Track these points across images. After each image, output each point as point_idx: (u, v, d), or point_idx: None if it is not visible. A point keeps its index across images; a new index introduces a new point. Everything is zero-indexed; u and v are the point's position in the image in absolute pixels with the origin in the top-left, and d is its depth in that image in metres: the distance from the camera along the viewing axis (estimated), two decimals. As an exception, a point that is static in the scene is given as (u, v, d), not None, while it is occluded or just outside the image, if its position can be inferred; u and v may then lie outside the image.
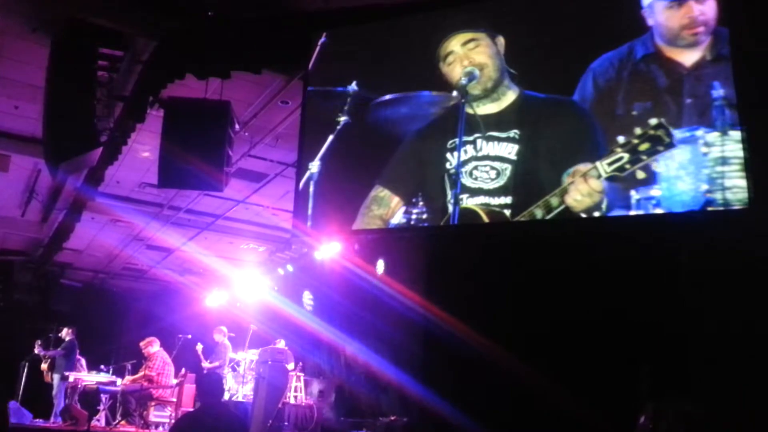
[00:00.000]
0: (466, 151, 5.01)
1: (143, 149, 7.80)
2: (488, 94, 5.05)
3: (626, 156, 4.37)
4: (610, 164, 4.42)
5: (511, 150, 4.89)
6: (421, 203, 5.19)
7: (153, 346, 9.40)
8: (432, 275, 7.79)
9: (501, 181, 4.88)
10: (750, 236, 4.26)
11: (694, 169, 4.23)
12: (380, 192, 5.36)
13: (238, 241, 11.45)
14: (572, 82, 4.77)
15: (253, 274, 11.47)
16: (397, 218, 5.27)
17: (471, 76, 5.04)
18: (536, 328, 5.82)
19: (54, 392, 9.99)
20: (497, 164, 4.91)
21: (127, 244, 11.83)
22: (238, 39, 5.67)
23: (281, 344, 10.11)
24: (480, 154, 4.99)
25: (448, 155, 5.11)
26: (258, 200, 9.48)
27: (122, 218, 10.30)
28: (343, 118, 5.57)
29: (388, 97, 5.45)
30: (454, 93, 5.13)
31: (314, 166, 5.62)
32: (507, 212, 4.84)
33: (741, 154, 4.11)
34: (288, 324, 10.64)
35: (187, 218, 10.33)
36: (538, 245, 5.67)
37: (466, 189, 4.97)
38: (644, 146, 4.34)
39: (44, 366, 10.30)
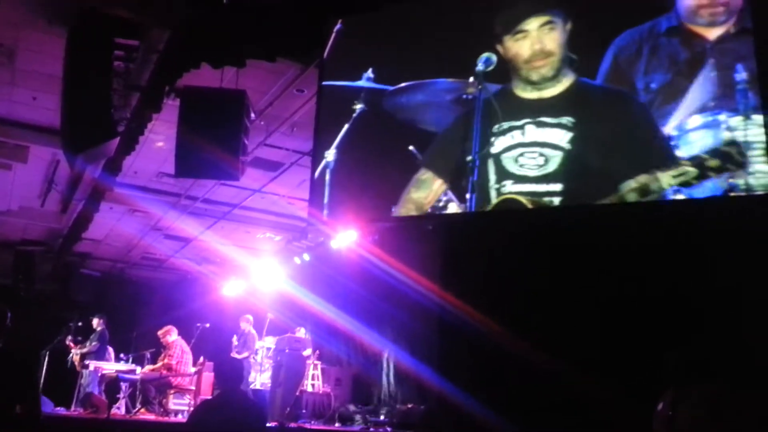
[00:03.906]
0: (513, 137, 4.84)
1: (158, 139, 7.82)
2: (545, 81, 4.87)
3: (693, 171, 4.13)
4: (675, 176, 4.20)
5: (562, 137, 4.69)
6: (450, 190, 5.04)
7: (171, 335, 9.47)
8: (450, 264, 7.77)
9: (549, 168, 4.69)
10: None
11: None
12: (423, 174, 5.22)
13: (255, 230, 11.49)
14: (598, 60, 4.68)
15: (270, 263, 11.52)
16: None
17: (488, 62, 4.97)
18: (555, 315, 5.79)
19: (82, 381, 10.08)
20: (546, 151, 4.72)
21: (146, 234, 11.92)
22: (252, 27, 5.65)
23: (301, 333, 10.15)
24: (528, 140, 4.80)
25: (494, 140, 4.93)
26: (274, 189, 9.49)
27: (140, 208, 10.37)
28: (358, 106, 5.54)
29: (404, 84, 5.41)
30: (471, 79, 5.07)
31: (330, 155, 5.60)
32: (556, 200, 4.65)
33: (764, 138, 4.04)
34: (305, 313, 10.68)
35: (204, 208, 10.37)
36: (557, 232, 5.63)
37: (510, 176, 4.81)
38: (713, 163, 4.07)
39: (76, 357, 10.41)
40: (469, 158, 4.90)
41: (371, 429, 7.96)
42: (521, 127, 4.83)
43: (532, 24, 4.89)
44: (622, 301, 5.22)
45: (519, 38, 4.91)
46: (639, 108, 4.55)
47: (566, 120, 4.71)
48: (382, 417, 8.60)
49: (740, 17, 4.29)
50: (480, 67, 4.99)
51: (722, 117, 4.17)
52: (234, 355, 9.77)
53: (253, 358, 10.25)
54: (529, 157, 4.76)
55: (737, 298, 4.40)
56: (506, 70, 5.01)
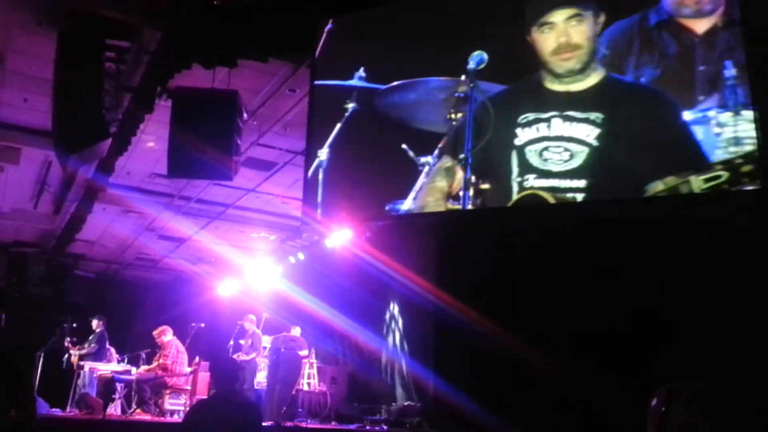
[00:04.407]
0: (538, 129, 4.73)
1: (150, 139, 7.81)
2: (573, 75, 4.75)
3: (725, 175, 4.00)
4: (706, 181, 4.05)
5: (589, 133, 4.57)
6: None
7: (166, 335, 9.45)
8: (445, 261, 7.78)
9: (574, 164, 4.57)
10: (764, 217, 4.21)
11: (707, 150, 4.17)
12: (446, 163, 5.07)
13: (249, 229, 11.48)
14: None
15: (264, 262, 11.51)
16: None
17: (480, 60, 4.96)
18: (551, 312, 5.81)
19: (80, 382, 10.04)
20: (572, 146, 4.59)
21: (139, 235, 11.89)
22: (243, 27, 5.65)
23: (296, 331, 10.14)
24: (553, 134, 4.68)
25: (519, 131, 4.81)
26: (268, 189, 9.49)
27: (134, 209, 10.35)
28: (351, 105, 5.54)
29: (396, 83, 5.42)
30: (463, 77, 5.07)
31: (323, 154, 5.60)
32: (579, 196, 4.53)
33: (754, 134, 4.05)
34: (300, 312, 10.68)
35: (198, 208, 10.36)
36: (559, 230, 5.64)
37: (533, 169, 4.68)
38: (747, 168, 3.93)
39: (74, 358, 10.38)
40: (462, 156, 4.89)
41: (367, 427, 7.97)
42: (547, 120, 4.71)
43: (559, 16, 4.78)
44: (615, 300, 5.25)
45: (545, 30, 4.80)
46: (670, 107, 4.42)
47: (594, 116, 4.58)
48: (378, 415, 8.62)
49: (727, 8, 4.28)
50: (472, 65, 4.98)
51: (712, 113, 4.18)
52: (242, 356, 9.74)
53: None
54: (554, 151, 4.63)
55: (728, 293, 4.42)
56: (499, 68, 4.97)
